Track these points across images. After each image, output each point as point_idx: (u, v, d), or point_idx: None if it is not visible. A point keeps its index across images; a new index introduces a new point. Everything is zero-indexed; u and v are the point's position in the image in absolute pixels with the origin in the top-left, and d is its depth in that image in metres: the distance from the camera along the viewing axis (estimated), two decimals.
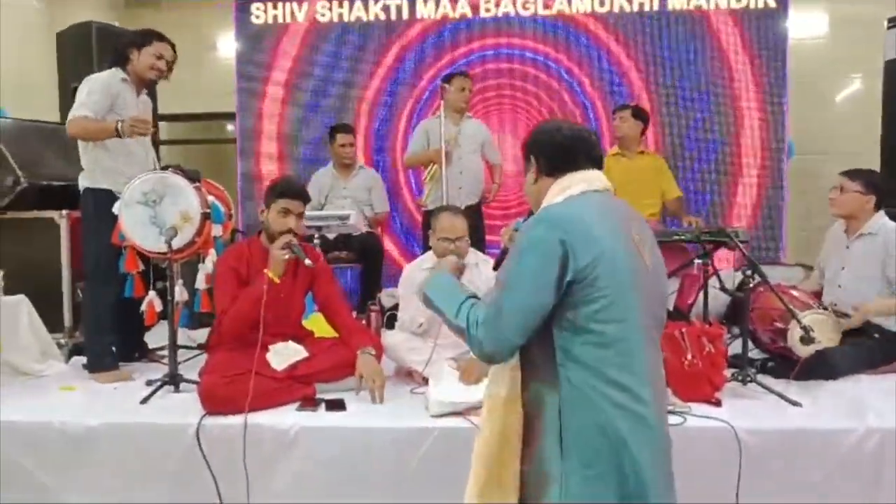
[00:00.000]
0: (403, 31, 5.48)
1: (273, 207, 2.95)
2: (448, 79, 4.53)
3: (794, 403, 2.75)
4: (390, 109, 5.55)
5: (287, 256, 2.86)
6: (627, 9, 5.30)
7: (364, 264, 4.56)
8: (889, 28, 4.51)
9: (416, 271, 3.30)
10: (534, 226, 1.57)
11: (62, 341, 3.79)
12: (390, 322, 3.72)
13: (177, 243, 2.97)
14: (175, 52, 3.44)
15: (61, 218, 3.84)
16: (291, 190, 3.00)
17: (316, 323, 3.41)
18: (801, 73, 5.58)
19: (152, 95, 4.62)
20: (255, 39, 5.56)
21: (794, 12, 5.27)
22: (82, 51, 4.49)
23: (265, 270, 2.84)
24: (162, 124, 5.64)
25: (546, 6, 5.36)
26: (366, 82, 5.53)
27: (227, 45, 6.08)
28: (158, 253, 3.04)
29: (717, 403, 2.72)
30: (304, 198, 3.02)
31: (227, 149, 6.07)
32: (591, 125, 5.37)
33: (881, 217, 3.36)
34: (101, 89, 3.19)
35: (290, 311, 3.05)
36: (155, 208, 3.04)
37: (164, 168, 3.25)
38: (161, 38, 3.38)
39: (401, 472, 2.53)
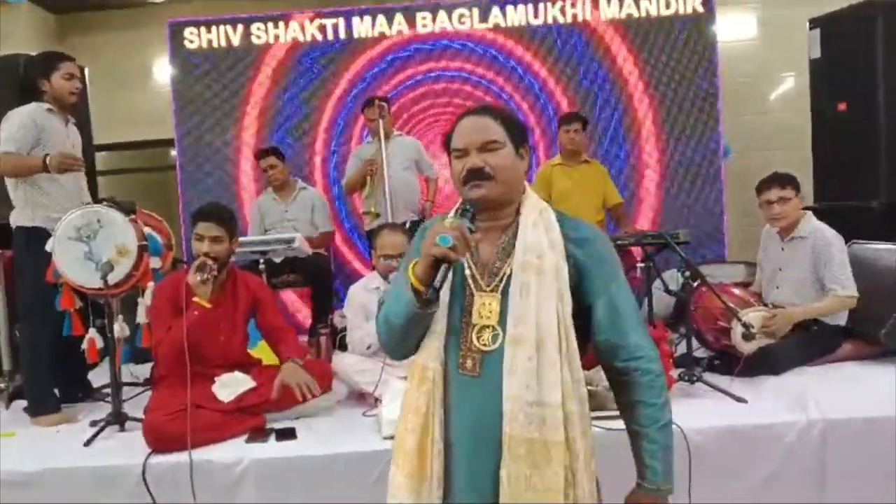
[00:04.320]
0: (340, 51, 5.46)
1: (193, 235, 2.94)
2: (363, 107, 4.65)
3: (740, 400, 2.82)
4: (334, 130, 5.52)
5: (200, 278, 2.81)
6: (561, 20, 5.39)
7: (313, 286, 4.52)
8: (811, 29, 4.66)
9: (361, 292, 3.30)
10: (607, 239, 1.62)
11: (1, 385, 3.67)
12: (344, 343, 3.69)
13: (113, 278, 2.89)
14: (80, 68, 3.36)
15: None
16: (200, 214, 2.97)
17: (264, 351, 3.36)
18: (735, 75, 5.78)
19: (87, 124, 4.54)
20: (191, 64, 5.48)
21: (721, 16, 5.44)
22: (11, 84, 4.34)
23: (194, 298, 2.80)
24: (99, 154, 5.50)
25: (482, 20, 5.42)
26: (307, 104, 5.50)
27: (164, 70, 5.99)
28: (95, 289, 2.96)
29: None
30: (217, 220, 2.95)
31: (172, 176, 5.96)
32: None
33: (811, 219, 3.46)
34: (24, 123, 3.09)
35: (233, 339, 3.00)
36: (89, 243, 2.95)
37: (98, 201, 3.17)
38: (63, 57, 3.31)
39: (356, 497, 2.50)
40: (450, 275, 1.45)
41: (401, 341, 1.56)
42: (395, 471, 1.54)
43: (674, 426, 2.41)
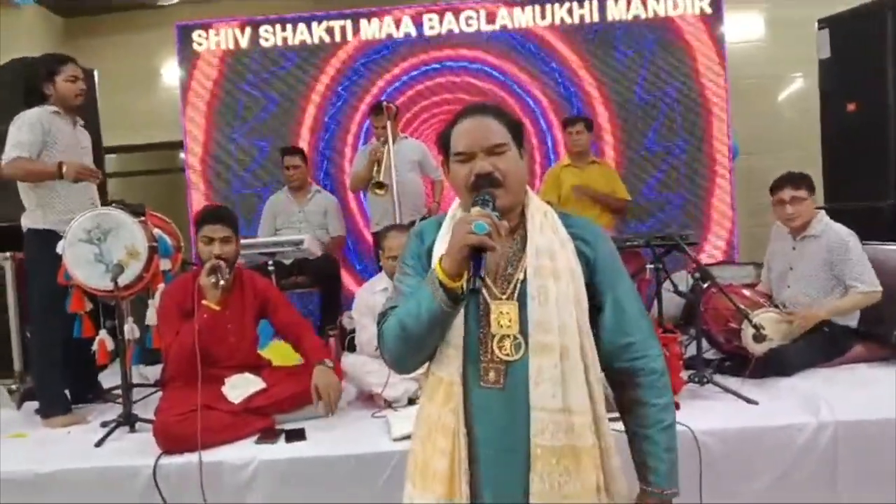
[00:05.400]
0: (349, 52, 5.48)
1: (199, 239, 2.93)
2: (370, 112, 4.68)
3: (750, 401, 2.80)
4: (338, 131, 5.55)
5: (214, 280, 2.80)
6: (568, 21, 5.39)
7: (322, 289, 4.52)
8: (820, 29, 4.65)
9: (369, 293, 3.31)
10: (609, 238, 1.57)
11: (13, 387, 3.68)
12: (352, 344, 3.69)
13: (124, 280, 2.91)
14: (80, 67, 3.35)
15: (6, 260, 3.75)
16: (209, 216, 2.95)
17: (275, 352, 3.37)
18: (743, 75, 5.76)
19: (95, 126, 4.56)
20: (199, 66, 5.50)
21: (730, 17, 5.43)
22: (19, 88, 4.35)
23: (203, 301, 2.80)
24: (108, 157, 5.53)
25: (489, 22, 5.42)
26: (313, 105, 5.52)
27: (172, 73, 6.02)
28: (105, 291, 2.97)
29: (675, 406, 2.73)
30: (225, 221, 2.94)
31: (181, 178, 5.99)
32: (542, 135, 5.47)
33: (824, 218, 3.44)
34: (32, 126, 3.09)
35: (242, 341, 3.00)
36: (100, 246, 2.97)
37: (108, 203, 3.18)
38: (66, 59, 3.30)
39: (365, 498, 2.50)
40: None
41: (416, 350, 1.46)
42: (421, 492, 1.47)
43: (684, 428, 2.48)
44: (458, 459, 1.42)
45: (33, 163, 3.07)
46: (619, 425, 1.55)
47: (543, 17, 5.40)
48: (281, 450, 2.63)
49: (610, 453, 1.45)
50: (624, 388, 1.50)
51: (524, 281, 1.43)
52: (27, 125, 3.10)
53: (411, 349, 1.45)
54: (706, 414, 2.68)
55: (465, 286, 1.33)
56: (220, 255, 2.85)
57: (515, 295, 1.44)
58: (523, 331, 1.42)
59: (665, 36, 5.37)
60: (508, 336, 1.42)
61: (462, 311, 1.42)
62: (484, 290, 1.44)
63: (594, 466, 1.41)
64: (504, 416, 1.42)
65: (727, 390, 2.90)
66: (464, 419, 1.43)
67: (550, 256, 1.44)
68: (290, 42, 5.47)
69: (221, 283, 2.81)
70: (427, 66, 5.50)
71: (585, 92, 5.45)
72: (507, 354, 1.42)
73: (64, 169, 3.03)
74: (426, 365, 1.52)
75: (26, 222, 3.22)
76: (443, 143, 1.53)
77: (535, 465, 1.39)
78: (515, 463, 1.41)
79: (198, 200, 5.50)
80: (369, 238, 5.33)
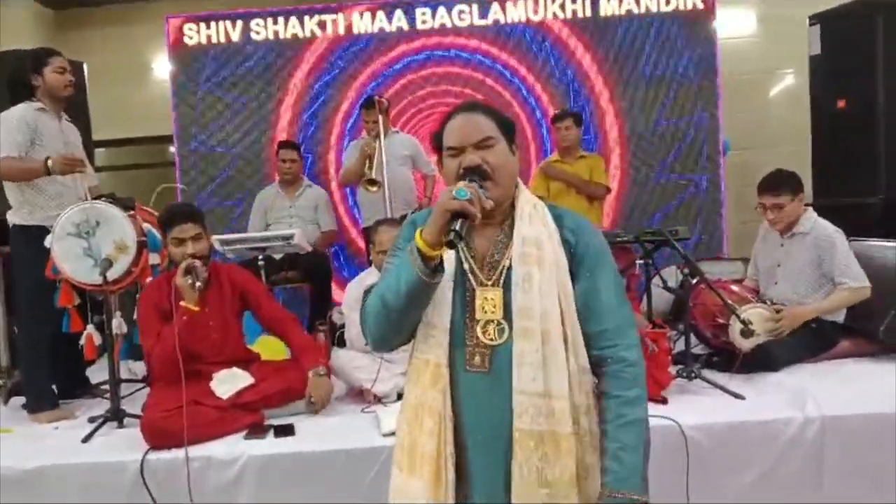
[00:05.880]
0: (341, 46, 5.46)
1: (169, 241, 2.88)
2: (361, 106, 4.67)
3: (738, 396, 2.82)
4: (327, 125, 5.53)
5: (190, 281, 2.77)
6: (560, 15, 5.39)
7: (312, 284, 4.51)
8: (811, 25, 4.66)
9: (359, 288, 3.29)
10: (598, 231, 1.58)
11: (0, 382, 3.66)
12: (342, 339, 3.68)
13: (112, 274, 2.90)
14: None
15: None
16: (176, 217, 2.88)
17: (264, 346, 3.36)
18: (735, 71, 5.76)
19: (85, 120, 4.54)
20: (190, 59, 5.47)
21: (721, 13, 5.43)
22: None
23: (181, 302, 2.77)
24: (98, 150, 5.50)
25: (482, 16, 5.41)
26: (303, 99, 5.49)
27: (163, 66, 5.98)
28: (94, 285, 2.95)
29: (663, 401, 2.76)
30: (194, 219, 2.89)
31: (171, 172, 5.96)
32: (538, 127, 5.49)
33: (811, 215, 3.43)
34: (17, 125, 3.06)
35: (227, 336, 2.97)
36: (88, 239, 2.97)
37: (97, 197, 3.16)
38: (53, 51, 3.27)
39: (354, 494, 2.50)
40: (449, 268, 1.45)
41: (396, 326, 1.49)
42: (408, 476, 1.49)
43: (672, 422, 2.49)
44: (443, 441, 1.45)
45: (22, 161, 3.05)
46: None
47: (536, 12, 5.39)
48: (269, 445, 2.62)
49: (589, 447, 1.45)
50: (597, 379, 1.50)
51: (510, 268, 1.47)
52: (14, 124, 3.07)
53: (392, 325, 1.49)
54: (694, 408, 2.69)
55: (443, 257, 1.39)
56: (194, 254, 2.82)
57: (501, 282, 1.48)
58: (507, 317, 1.46)
59: (657, 31, 5.36)
60: (492, 321, 1.46)
61: (449, 296, 1.47)
62: (470, 276, 1.50)
63: (574, 455, 1.42)
64: (490, 401, 1.45)
65: (714, 385, 2.91)
66: (451, 404, 1.46)
67: (537, 246, 1.47)
68: (281, 36, 5.44)
69: (198, 284, 2.78)
70: (416, 56, 5.48)
71: (575, 86, 5.44)
72: (491, 339, 1.46)
73: (50, 164, 3.00)
74: (410, 350, 1.55)
75: (13, 219, 3.19)
76: (436, 142, 1.58)
77: (515, 449, 1.42)
78: (500, 449, 1.44)
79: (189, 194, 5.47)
80: (354, 235, 5.35)
